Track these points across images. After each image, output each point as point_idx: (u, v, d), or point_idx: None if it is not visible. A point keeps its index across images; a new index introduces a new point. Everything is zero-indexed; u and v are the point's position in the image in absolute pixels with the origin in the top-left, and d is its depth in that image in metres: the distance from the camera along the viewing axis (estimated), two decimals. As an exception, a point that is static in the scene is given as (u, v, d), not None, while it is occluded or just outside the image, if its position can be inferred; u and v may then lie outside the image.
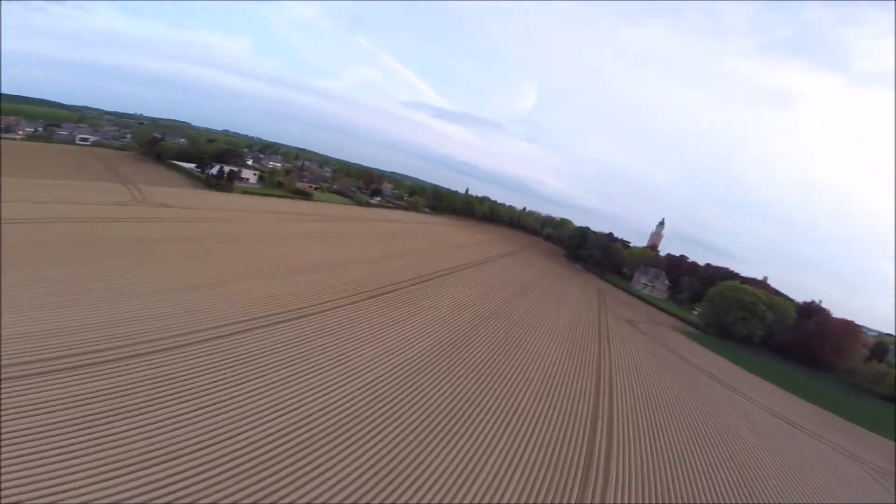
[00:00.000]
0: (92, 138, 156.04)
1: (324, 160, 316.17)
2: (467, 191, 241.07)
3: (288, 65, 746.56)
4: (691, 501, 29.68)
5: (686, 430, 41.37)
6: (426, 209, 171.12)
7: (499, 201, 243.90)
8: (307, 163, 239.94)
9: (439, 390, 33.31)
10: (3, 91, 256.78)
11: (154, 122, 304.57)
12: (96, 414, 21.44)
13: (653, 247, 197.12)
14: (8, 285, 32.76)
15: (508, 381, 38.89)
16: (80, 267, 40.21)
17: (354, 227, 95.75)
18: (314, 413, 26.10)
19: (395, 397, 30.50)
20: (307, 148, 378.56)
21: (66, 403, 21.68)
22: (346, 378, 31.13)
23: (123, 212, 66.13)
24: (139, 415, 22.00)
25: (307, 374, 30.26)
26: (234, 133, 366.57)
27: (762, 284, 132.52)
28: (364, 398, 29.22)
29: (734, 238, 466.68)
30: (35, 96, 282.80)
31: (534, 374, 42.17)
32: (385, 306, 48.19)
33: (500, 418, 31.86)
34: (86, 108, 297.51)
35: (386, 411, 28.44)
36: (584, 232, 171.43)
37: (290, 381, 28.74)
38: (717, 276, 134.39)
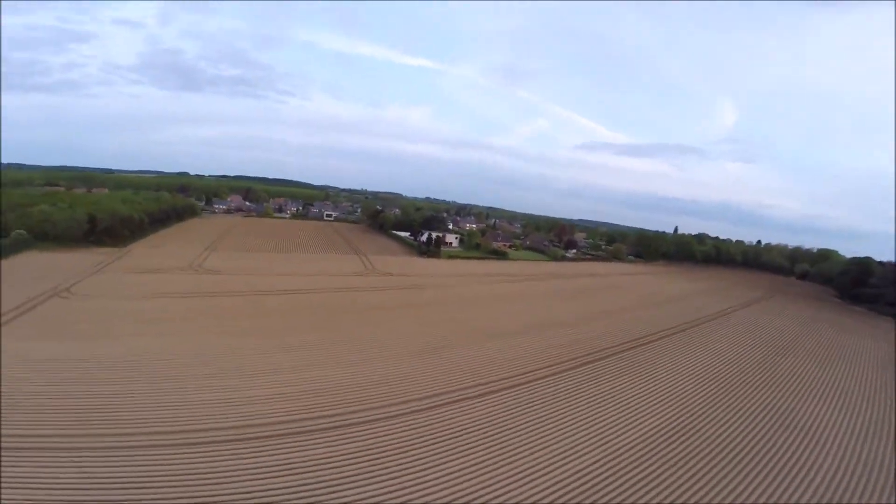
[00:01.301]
0: (334, 214, 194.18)
1: (511, 216, 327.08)
2: (676, 230, 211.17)
3: (466, 127, 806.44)
4: None
5: None
6: (630, 257, 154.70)
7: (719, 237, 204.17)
8: (498, 221, 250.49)
9: (680, 478, 25.63)
10: (273, 176, 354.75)
11: (375, 195, 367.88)
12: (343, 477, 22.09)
13: None
14: (264, 350, 39.04)
15: (778, 469, 28.18)
16: (329, 333, 46.21)
17: (553, 286, 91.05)
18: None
19: (616, 491, 24.17)
20: (495, 206, 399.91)
21: (313, 465, 22.57)
22: (553, 464, 26.14)
23: (360, 282, 76.23)
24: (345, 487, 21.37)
25: (509, 456, 26.50)
26: (434, 199, 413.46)
27: None
28: (577, 490, 23.92)
29: None
30: (292, 178, 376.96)
31: (820, 459, 30.58)
32: (595, 377, 41.80)
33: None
34: (327, 186, 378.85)
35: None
36: (865, 263, 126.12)
37: (489, 465, 25.31)
38: None
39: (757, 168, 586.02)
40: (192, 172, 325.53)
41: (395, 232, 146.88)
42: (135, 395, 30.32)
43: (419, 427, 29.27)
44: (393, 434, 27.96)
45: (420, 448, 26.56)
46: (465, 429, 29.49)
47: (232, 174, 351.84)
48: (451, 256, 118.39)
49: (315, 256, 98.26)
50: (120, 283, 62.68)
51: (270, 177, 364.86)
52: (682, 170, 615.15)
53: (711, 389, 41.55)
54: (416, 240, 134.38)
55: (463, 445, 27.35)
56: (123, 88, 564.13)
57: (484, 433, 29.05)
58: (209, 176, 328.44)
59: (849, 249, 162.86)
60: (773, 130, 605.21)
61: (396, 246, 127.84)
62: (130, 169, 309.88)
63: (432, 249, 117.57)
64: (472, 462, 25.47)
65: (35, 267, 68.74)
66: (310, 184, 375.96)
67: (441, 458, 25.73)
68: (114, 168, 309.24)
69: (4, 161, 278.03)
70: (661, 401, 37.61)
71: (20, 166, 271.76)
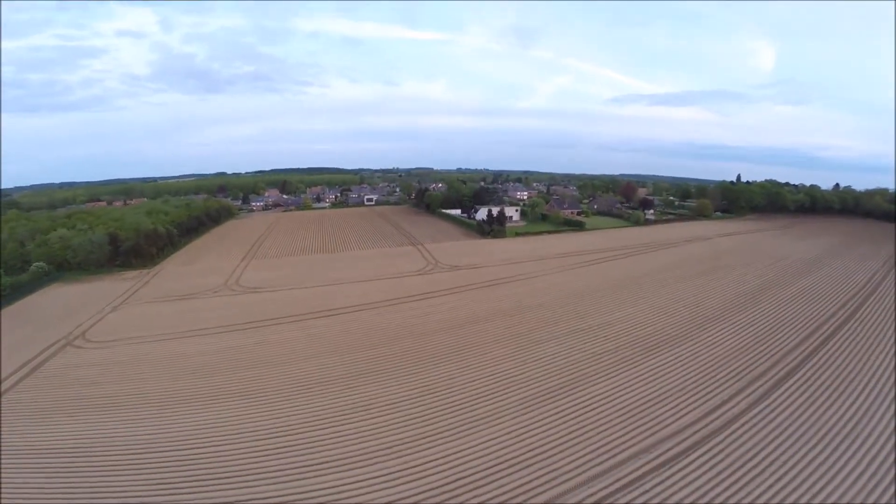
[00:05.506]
0: (374, 197, 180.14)
1: (550, 178, 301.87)
2: (739, 178, 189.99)
3: (488, 94, 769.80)
4: None
5: None
6: (717, 213, 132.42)
7: (790, 182, 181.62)
8: (551, 186, 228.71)
9: None
10: (306, 165, 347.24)
11: (408, 172, 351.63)
12: None
13: None
14: (347, 415, 24.60)
15: None
16: (421, 375, 31.01)
17: (664, 260, 72.83)
18: None
19: None
20: (530, 169, 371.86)
21: None
22: None
23: (427, 283, 61.42)
24: None
25: None
26: (466, 169, 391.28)
27: None
28: None
29: None
30: (326, 166, 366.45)
31: None
32: (810, 398, 29.60)
33: None
34: (360, 169, 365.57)
35: None
36: None
37: None
38: None
39: (809, 109, 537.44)
40: (229, 172, 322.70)
41: (444, 211, 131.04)
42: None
43: None
44: None
45: None
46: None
47: (268, 168, 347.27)
48: (517, 234, 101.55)
49: (367, 253, 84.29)
50: (144, 319, 50.95)
51: (304, 167, 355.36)
52: (727, 115, 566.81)
53: None
54: (469, 217, 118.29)
55: None
56: (149, 98, 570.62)
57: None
58: (246, 173, 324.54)
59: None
60: (819, 69, 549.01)
61: (450, 227, 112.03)
62: (172, 175, 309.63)
63: (496, 228, 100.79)
64: None
65: (53, 305, 58.30)
66: (343, 168, 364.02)
67: None
68: (156, 176, 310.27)
69: (55, 181, 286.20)
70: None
71: (70, 184, 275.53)
